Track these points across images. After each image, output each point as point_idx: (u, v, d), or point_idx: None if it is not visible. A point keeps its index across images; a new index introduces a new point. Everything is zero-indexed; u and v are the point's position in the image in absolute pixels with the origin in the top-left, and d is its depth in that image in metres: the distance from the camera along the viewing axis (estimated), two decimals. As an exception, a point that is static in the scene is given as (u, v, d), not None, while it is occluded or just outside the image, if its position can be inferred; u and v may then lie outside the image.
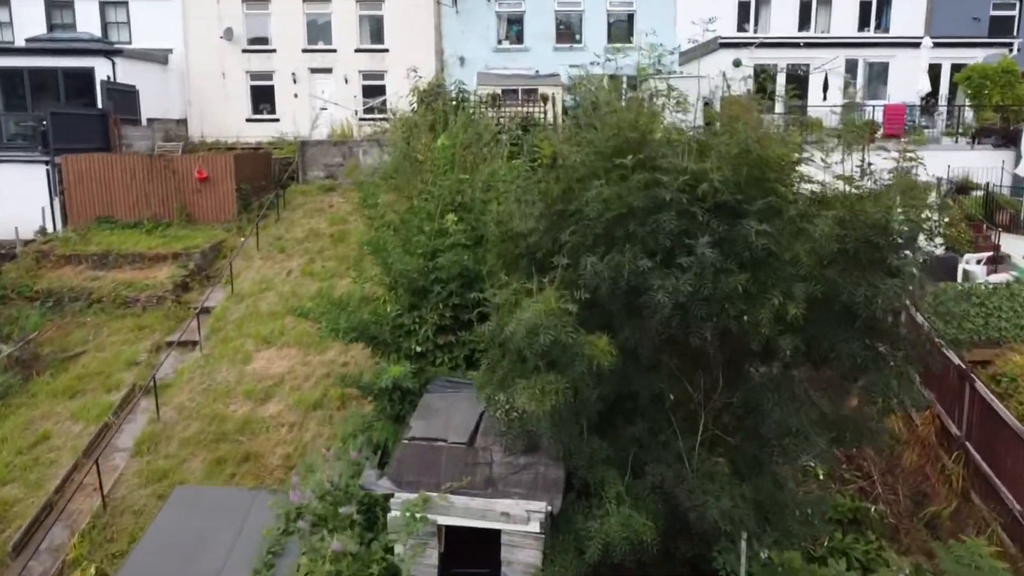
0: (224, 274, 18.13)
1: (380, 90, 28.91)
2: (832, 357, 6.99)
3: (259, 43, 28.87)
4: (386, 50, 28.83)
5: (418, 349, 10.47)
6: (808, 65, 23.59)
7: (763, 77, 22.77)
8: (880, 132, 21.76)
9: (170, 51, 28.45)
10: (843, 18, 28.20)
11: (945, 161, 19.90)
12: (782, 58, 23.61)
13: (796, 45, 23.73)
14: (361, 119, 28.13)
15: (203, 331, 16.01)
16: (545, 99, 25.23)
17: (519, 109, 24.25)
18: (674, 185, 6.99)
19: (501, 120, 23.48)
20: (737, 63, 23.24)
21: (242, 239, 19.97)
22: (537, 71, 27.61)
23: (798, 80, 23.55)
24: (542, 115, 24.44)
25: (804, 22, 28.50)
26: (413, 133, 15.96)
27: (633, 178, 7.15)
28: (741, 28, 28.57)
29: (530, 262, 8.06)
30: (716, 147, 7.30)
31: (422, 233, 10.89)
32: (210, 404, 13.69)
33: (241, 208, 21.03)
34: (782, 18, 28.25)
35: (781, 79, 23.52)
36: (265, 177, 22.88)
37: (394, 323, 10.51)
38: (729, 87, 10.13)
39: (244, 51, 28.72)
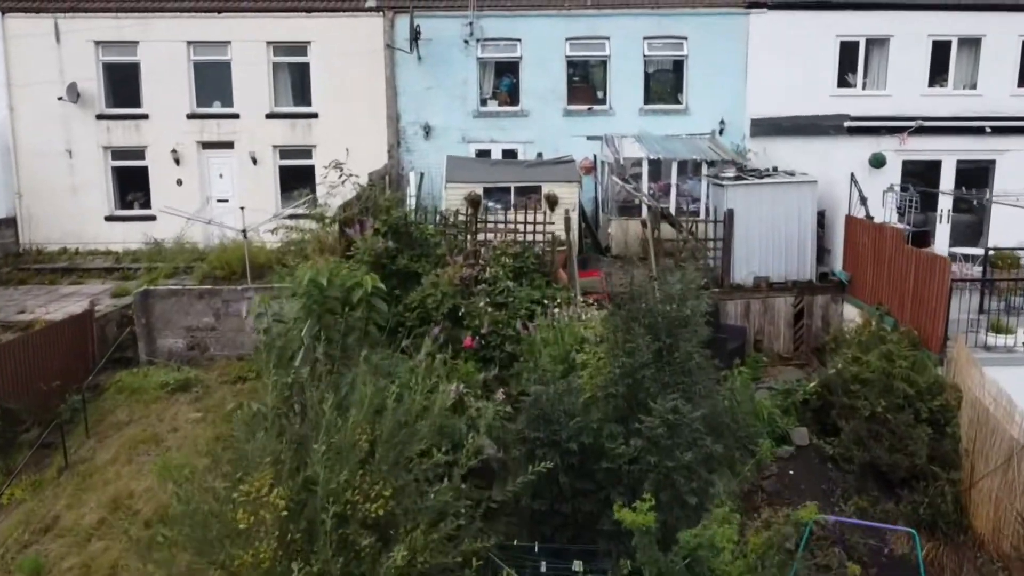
0: None
1: (305, 173, 19.42)
2: None
3: (124, 105, 19.32)
4: (314, 115, 19.32)
5: None
6: (993, 160, 14.11)
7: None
8: None
9: (-12, 118, 19.00)
10: (997, 67, 18.62)
11: None
12: (951, 150, 14.15)
13: (976, 130, 14.18)
14: (276, 216, 18.54)
15: None
16: (552, 202, 15.81)
17: (510, 227, 14.84)
18: None
19: (479, 253, 14.02)
20: (879, 162, 13.76)
21: (-14, 519, 10.42)
22: (540, 153, 18.11)
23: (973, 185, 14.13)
24: (547, 230, 15.02)
25: (937, 73, 18.98)
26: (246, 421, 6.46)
27: None
28: (843, 81, 19.09)
29: None
30: None
31: None
32: None
33: (-1, 445, 11.45)
34: (904, 67, 18.72)
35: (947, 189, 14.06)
36: (77, 360, 13.21)
37: None
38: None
39: (100, 117, 19.16)
